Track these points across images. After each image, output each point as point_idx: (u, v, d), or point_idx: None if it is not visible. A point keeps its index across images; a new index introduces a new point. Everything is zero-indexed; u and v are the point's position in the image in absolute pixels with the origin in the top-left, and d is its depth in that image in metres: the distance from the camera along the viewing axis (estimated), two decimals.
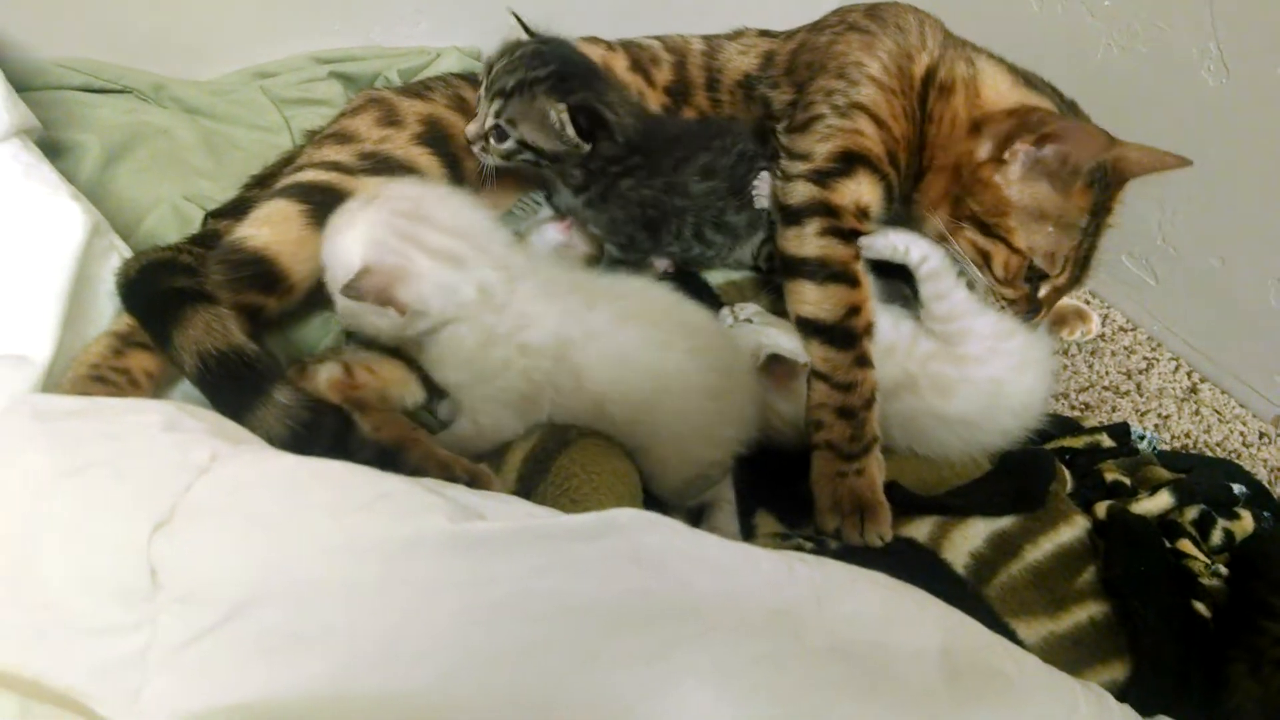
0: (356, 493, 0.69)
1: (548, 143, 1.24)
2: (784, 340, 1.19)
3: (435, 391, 1.18)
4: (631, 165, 1.28)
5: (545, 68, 1.23)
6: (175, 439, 0.72)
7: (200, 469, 0.69)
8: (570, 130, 1.22)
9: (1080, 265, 1.25)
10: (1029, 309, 1.25)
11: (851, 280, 1.19)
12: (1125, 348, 1.58)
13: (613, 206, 1.29)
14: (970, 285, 1.22)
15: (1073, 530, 1.10)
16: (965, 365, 1.18)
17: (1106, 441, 1.29)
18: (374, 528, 0.66)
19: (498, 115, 1.24)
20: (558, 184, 1.33)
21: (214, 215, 1.24)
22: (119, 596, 0.64)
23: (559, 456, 1.05)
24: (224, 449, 0.72)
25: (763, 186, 1.33)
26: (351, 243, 1.01)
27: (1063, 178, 1.17)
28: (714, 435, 1.08)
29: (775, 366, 1.16)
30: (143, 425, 0.73)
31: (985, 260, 1.22)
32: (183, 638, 0.63)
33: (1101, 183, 1.19)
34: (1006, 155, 1.18)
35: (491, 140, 1.25)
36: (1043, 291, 1.25)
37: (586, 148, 1.24)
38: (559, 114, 1.21)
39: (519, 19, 1.32)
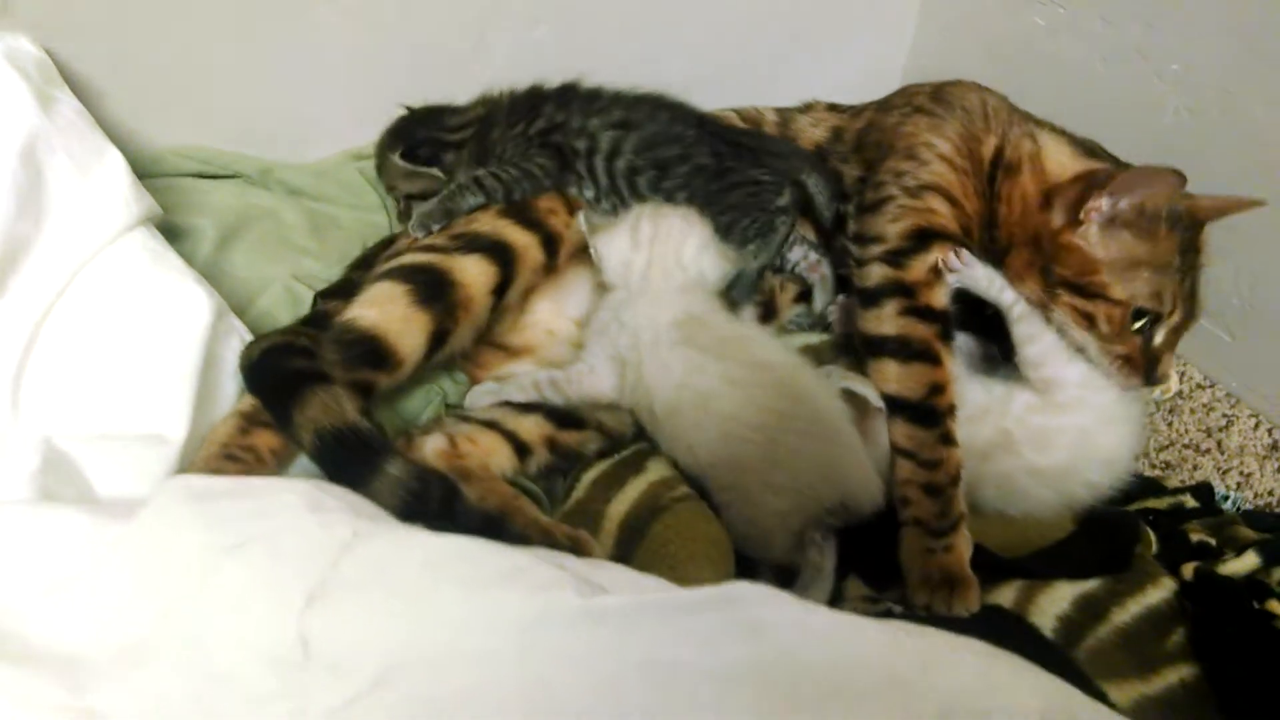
0: (490, 567, 0.74)
1: (416, 186, 1.41)
2: (856, 384, 1.23)
3: (527, 460, 1.25)
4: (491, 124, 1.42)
5: (390, 135, 1.43)
6: (320, 518, 0.78)
7: (345, 545, 0.75)
8: (409, 167, 1.39)
9: (1189, 300, 1.23)
10: (1145, 360, 1.21)
11: (933, 358, 1.21)
12: (1204, 405, 1.59)
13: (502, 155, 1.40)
14: (1082, 351, 1.22)
15: (1160, 592, 1.11)
16: (1057, 414, 1.20)
17: (1190, 502, 1.30)
18: (510, 601, 0.71)
19: (387, 191, 1.48)
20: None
21: (323, 296, 1.31)
22: (275, 666, 0.69)
23: (654, 523, 1.10)
24: (364, 526, 0.77)
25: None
26: None
27: (1144, 225, 1.18)
28: (778, 484, 1.13)
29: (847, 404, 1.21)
30: (289, 505, 0.79)
31: (1090, 321, 1.21)
32: (333, 705, 0.68)
33: (1182, 224, 1.20)
34: (1082, 216, 1.21)
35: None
36: (1159, 338, 1.21)
37: (438, 173, 1.40)
38: (398, 160, 1.39)
39: (407, 108, 1.48)
